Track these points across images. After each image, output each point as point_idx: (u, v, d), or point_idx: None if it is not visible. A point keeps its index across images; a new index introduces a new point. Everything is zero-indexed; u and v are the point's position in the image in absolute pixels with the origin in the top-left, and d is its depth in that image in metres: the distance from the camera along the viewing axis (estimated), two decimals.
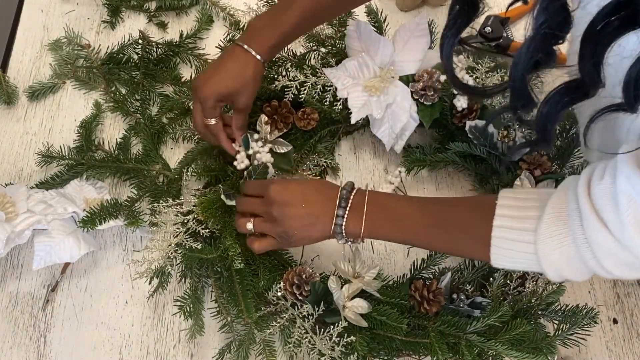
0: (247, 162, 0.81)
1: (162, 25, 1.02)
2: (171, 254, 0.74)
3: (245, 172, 0.80)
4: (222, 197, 0.75)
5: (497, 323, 0.69)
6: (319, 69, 0.86)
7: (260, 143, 0.82)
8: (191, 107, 0.90)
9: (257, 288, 0.75)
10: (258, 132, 0.83)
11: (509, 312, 0.69)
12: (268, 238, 0.70)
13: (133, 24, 1.02)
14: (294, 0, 0.74)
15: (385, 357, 0.73)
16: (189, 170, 0.84)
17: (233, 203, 0.75)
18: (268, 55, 0.75)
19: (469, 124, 0.82)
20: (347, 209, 0.66)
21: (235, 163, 0.80)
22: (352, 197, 0.67)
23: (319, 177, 0.87)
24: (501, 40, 0.96)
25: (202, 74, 0.76)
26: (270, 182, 0.71)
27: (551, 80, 0.98)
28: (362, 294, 0.73)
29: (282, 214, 0.67)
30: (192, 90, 0.77)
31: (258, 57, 0.74)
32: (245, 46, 0.74)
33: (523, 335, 0.69)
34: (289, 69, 0.86)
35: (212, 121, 0.77)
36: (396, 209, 0.67)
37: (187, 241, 0.75)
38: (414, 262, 0.77)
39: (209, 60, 0.96)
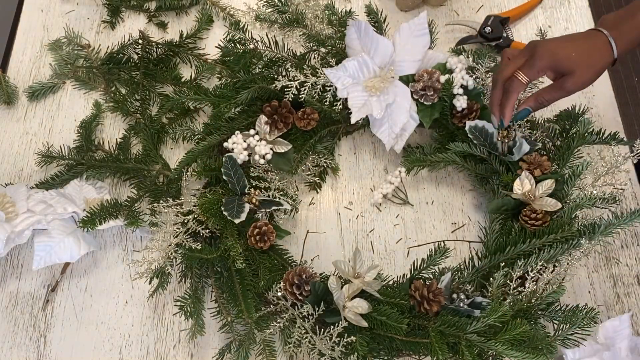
0: (245, 154, 0.81)
1: (162, 25, 1.02)
2: (171, 254, 0.74)
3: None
4: (225, 213, 0.75)
5: (497, 323, 0.68)
6: (319, 69, 0.86)
7: (263, 142, 0.82)
8: (191, 107, 0.90)
9: (257, 288, 0.75)
10: (257, 132, 0.84)
11: (509, 312, 0.69)
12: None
13: (133, 24, 1.02)
14: None
15: (385, 357, 0.73)
16: (189, 170, 0.84)
17: (240, 220, 0.75)
18: (623, 49, 0.72)
19: (469, 124, 0.82)
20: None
21: (234, 154, 0.80)
22: None
23: (318, 179, 0.88)
24: (501, 40, 0.96)
25: (550, 39, 0.75)
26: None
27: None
28: (362, 294, 0.73)
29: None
30: (530, 45, 0.74)
31: (614, 48, 0.71)
32: (606, 32, 0.72)
33: (523, 335, 0.69)
34: (289, 69, 0.86)
35: (524, 79, 0.73)
36: None
37: (187, 241, 0.75)
38: (414, 262, 0.77)
39: (209, 61, 0.96)
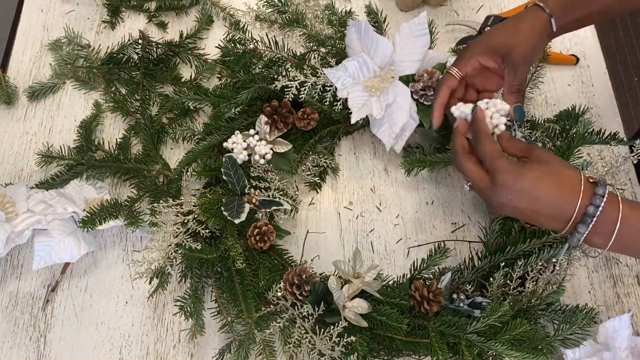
0: (245, 154, 0.81)
1: (162, 25, 1.02)
2: (171, 254, 0.74)
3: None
4: (225, 213, 0.75)
5: (497, 323, 0.69)
6: (319, 69, 0.86)
7: (263, 142, 0.82)
8: (191, 107, 0.90)
9: (257, 288, 0.75)
10: (257, 132, 0.84)
11: (509, 312, 0.69)
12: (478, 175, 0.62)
13: (133, 24, 1.02)
14: None
15: (385, 357, 0.73)
16: (189, 170, 0.84)
17: (240, 220, 0.75)
18: (561, 12, 0.67)
19: None
20: (591, 226, 0.57)
21: (233, 154, 0.80)
22: (600, 209, 0.56)
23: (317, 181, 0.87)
24: None
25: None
26: (534, 149, 0.61)
27: (550, 78, 0.98)
28: (362, 294, 0.73)
29: (505, 199, 0.59)
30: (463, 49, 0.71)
31: (545, 9, 0.66)
32: (537, 1, 0.67)
33: (523, 335, 0.69)
34: (289, 69, 0.86)
35: (454, 70, 0.69)
36: None
37: (187, 241, 0.75)
38: (414, 262, 0.77)
39: (209, 61, 0.96)
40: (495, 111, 0.65)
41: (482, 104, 0.65)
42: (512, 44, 0.66)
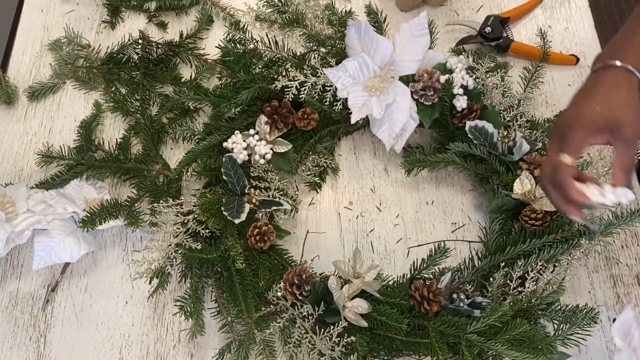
0: (245, 153, 0.81)
1: (162, 25, 1.02)
2: (171, 254, 0.74)
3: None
4: (225, 213, 0.75)
5: (497, 323, 0.69)
6: (319, 69, 0.86)
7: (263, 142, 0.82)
8: (191, 107, 0.90)
9: (257, 288, 0.75)
10: (257, 132, 0.84)
11: (509, 312, 0.69)
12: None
13: (133, 24, 1.02)
14: None
15: (385, 358, 0.73)
16: (189, 170, 0.84)
17: (240, 220, 0.75)
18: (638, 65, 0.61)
19: (469, 124, 0.82)
20: None
21: (233, 154, 0.80)
22: None
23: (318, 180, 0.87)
24: (501, 40, 0.96)
25: (564, 113, 0.64)
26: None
27: (550, 78, 0.98)
28: (362, 294, 0.73)
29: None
30: (554, 130, 0.63)
31: (634, 71, 0.60)
32: (617, 62, 0.61)
33: (523, 335, 0.69)
34: (289, 69, 0.86)
35: (568, 160, 0.60)
36: None
37: (187, 241, 0.75)
38: (414, 262, 0.77)
39: (209, 61, 0.96)
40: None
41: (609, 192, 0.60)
42: (622, 120, 0.59)
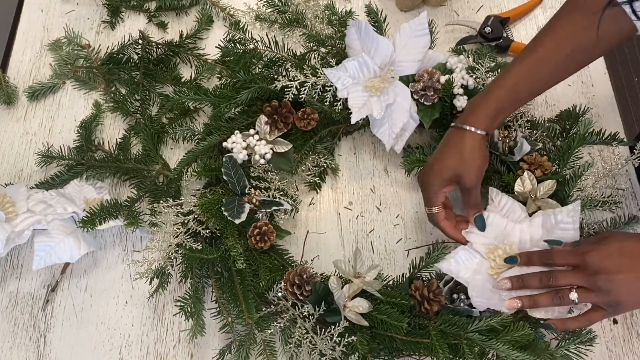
0: (244, 153, 0.81)
1: (162, 25, 1.02)
2: (171, 254, 0.74)
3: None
4: (225, 213, 0.75)
5: (497, 326, 0.69)
6: (319, 69, 0.86)
7: (263, 142, 0.82)
8: (191, 107, 0.90)
9: (257, 288, 0.75)
10: (257, 132, 0.84)
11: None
12: (595, 311, 0.66)
13: (133, 24, 1.02)
14: (507, 71, 0.72)
15: (386, 358, 0.73)
16: (189, 170, 0.84)
17: (240, 220, 0.75)
18: (487, 126, 0.72)
19: None
20: None
21: (233, 154, 0.80)
22: None
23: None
24: (501, 40, 0.97)
25: (424, 167, 0.77)
26: (586, 250, 0.66)
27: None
28: (363, 293, 0.73)
29: (610, 284, 0.63)
30: (420, 185, 0.77)
31: (477, 131, 0.72)
32: (461, 124, 0.73)
33: (524, 338, 0.69)
34: (289, 69, 0.86)
35: (435, 209, 0.75)
36: None
37: (188, 241, 0.75)
38: (412, 261, 0.77)
39: (209, 61, 0.96)
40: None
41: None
42: (461, 173, 0.72)
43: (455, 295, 0.74)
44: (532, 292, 0.69)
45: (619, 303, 0.63)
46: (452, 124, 0.75)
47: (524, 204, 0.78)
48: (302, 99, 0.84)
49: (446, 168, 0.73)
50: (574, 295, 0.65)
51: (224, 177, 0.79)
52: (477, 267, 0.73)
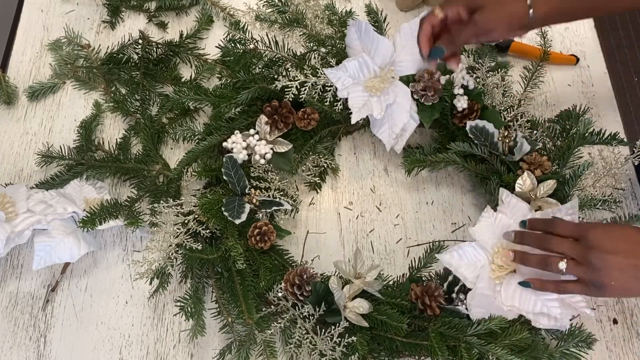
0: (244, 153, 0.81)
1: (162, 25, 1.02)
2: (172, 254, 0.74)
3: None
4: (225, 214, 0.75)
5: (496, 329, 0.69)
6: (319, 69, 0.86)
7: (263, 141, 0.82)
8: (191, 107, 0.90)
9: (258, 288, 0.75)
10: (257, 132, 0.84)
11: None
12: (577, 283, 0.66)
13: (133, 24, 1.02)
14: None
15: (386, 359, 0.73)
16: (189, 170, 0.84)
17: (241, 220, 0.75)
18: (541, 10, 0.69)
19: (469, 123, 0.81)
20: None
21: (233, 154, 0.80)
22: None
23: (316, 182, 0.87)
24: (501, 40, 0.96)
25: None
26: (590, 225, 0.66)
27: (550, 78, 0.98)
28: (363, 294, 0.73)
29: (602, 262, 0.62)
30: None
31: (529, 4, 0.69)
32: None
33: (522, 342, 0.69)
34: (289, 69, 0.86)
35: (439, 13, 0.73)
36: None
37: (188, 242, 0.75)
38: (412, 262, 0.77)
39: (209, 61, 0.96)
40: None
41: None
42: (487, 4, 0.71)
43: (454, 296, 0.74)
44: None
45: (604, 285, 0.63)
46: None
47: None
48: (302, 99, 0.84)
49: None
50: (562, 265, 0.65)
51: (224, 177, 0.79)
52: (480, 272, 0.72)
